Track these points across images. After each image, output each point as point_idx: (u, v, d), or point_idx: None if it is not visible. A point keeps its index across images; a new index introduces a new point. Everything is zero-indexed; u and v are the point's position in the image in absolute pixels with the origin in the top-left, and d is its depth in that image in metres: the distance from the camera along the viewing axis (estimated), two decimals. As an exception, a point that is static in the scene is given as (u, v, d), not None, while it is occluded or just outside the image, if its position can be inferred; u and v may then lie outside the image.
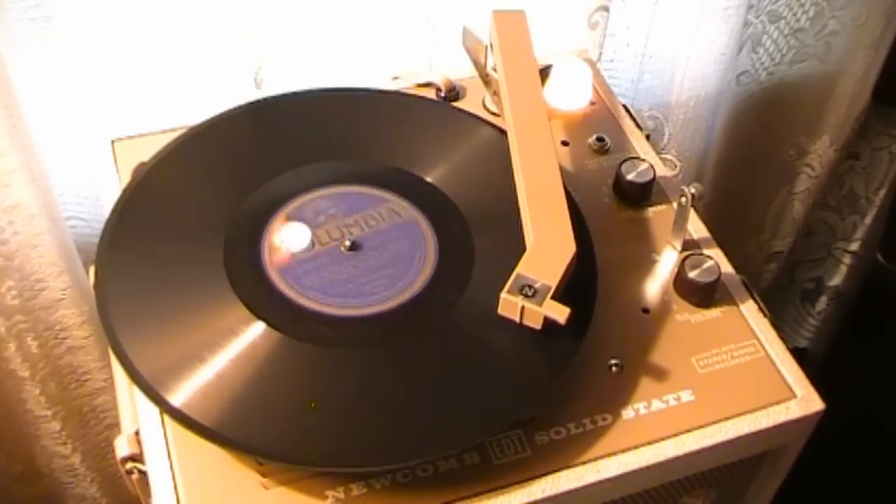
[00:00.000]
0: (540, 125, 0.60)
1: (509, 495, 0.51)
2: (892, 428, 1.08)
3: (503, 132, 0.63)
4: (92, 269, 0.57)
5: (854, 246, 1.16)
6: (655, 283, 0.61)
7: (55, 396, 0.83)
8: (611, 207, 0.65)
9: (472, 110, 0.67)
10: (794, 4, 0.90)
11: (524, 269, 0.52)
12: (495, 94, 0.68)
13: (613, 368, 0.56)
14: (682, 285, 0.60)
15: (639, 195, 0.65)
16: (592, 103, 0.71)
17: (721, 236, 0.64)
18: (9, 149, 0.67)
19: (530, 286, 0.52)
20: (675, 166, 0.68)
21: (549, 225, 0.55)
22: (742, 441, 0.55)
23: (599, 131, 0.69)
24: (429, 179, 0.61)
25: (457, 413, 0.51)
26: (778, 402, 0.56)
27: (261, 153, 0.62)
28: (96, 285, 0.55)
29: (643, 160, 0.65)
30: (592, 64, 0.74)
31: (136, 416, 0.54)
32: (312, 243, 0.57)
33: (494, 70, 0.66)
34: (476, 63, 0.68)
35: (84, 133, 0.73)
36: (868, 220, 1.13)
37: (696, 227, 0.64)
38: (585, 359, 0.55)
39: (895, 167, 1.08)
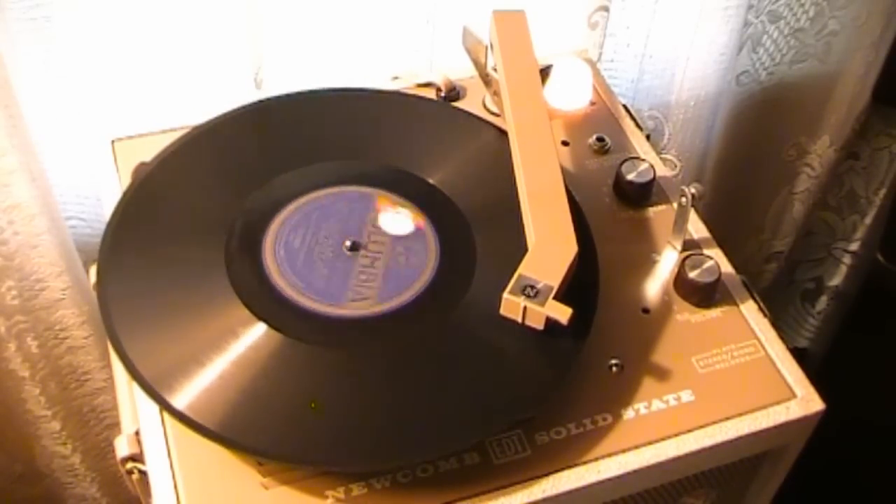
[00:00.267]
0: (540, 125, 0.60)
1: (509, 495, 0.51)
2: (892, 428, 1.08)
3: (504, 132, 0.63)
4: (92, 269, 0.57)
5: (854, 246, 1.16)
6: (655, 283, 0.61)
7: (55, 396, 0.83)
8: (611, 207, 0.65)
9: (472, 110, 0.67)
10: (794, 4, 0.90)
11: (526, 269, 0.52)
12: (495, 94, 0.68)
13: (613, 368, 0.56)
14: (683, 285, 0.60)
15: (639, 195, 0.65)
16: (592, 103, 0.71)
17: (721, 236, 0.64)
18: (9, 149, 0.67)
19: (532, 286, 0.52)
20: (675, 166, 0.68)
21: (550, 225, 0.55)
22: (742, 441, 0.55)
23: (599, 131, 0.69)
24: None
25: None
26: (778, 402, 0.56)
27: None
28: (98, 285, 0.55)
29: (643, 160, 0.65)
30: (592, 64, 0.74)
31: (136, 416, 0.54)
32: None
33: (494, 70, 0.66)
34: (476, 63, 0.68)
35: (84, 133, 0.73)
36: (868, 220, 1.13)
37: (696, 227, 0.64)
38: (586, 359, 0.55)
39: (895, 167, 1.08)
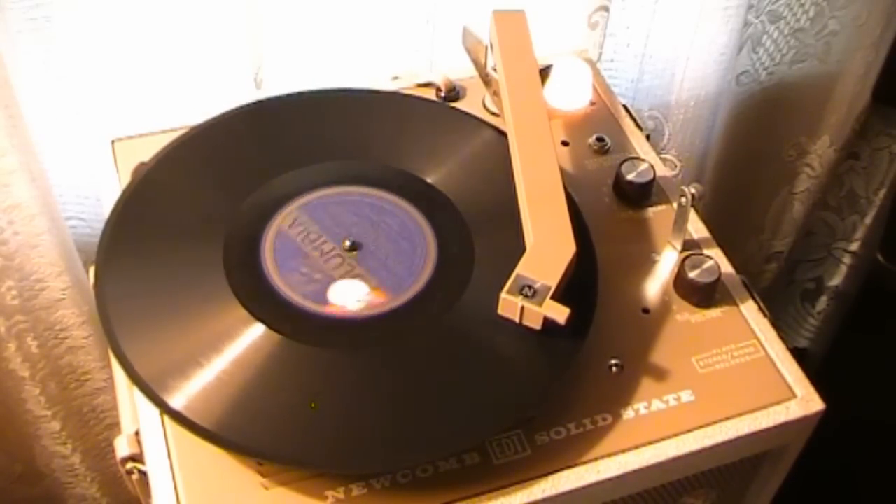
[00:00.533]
0: (540, 125, 0.60)
1: (509, 495, 0.51)
2: (892, 428, 1.08)
3: (503, 132, 0.63)
4: (92, 269, 0.57)
5: (854, 246, 1.16)
6: (655, 283, 0.61)
7: (55, 396, 0.83)
8: (611, 207, 0.65)
9: (472, 110, 0.67)
10: (794, 4, 0.90)
11: (524, 269, 0.52)
12: (495, 94, 0.68)
13: (613, 368, 0.56)
14: (682, 285, 0.60)
15: (639, 195, 0.65)
16: (592, 103, 0.71)
17: (721, 236, 0.64)
18: (9, 149, 0.67)
19: (530, 286, 0.52)
20: (675, 166, 0.68)
21: (549, 225, 0.55)
22: (742, 441, 0.55)
23: (599, 131, 0.69)
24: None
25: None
26: (778, 402, 0.56)
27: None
28: (96, 286, 0.55)
29: (643, 160, 0.65)
30: (592, 64, 0.74)
31: (136, 416, 0.54)
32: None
33: (494, 70, 0.66)
34: (476, 63, 0.68)
35: (84, 133, 0.73)
36: (868, 220, 1.13)
37: (696, 227, 0.64)
38: (585, 359, 0.55)
39: (895, 167, 1.08)
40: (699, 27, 0.85)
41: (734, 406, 0.55)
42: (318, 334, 0.53)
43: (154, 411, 0.53)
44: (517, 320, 0.52)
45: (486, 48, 0.66)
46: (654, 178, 0.64)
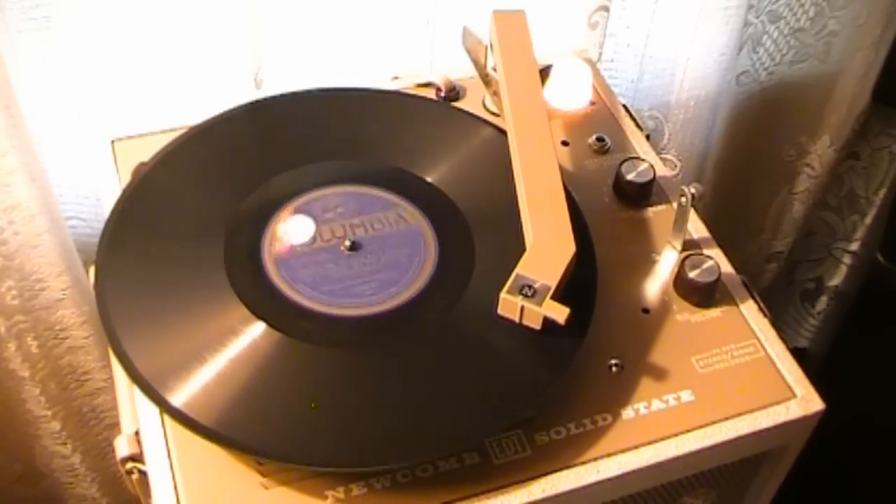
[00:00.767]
0: (540, 125, 0.60)
1: (509, 495, 0.51)
2: (892, 428, 1.08)
3: (503, 132, 0.63)
4: (92, 269, 0.57)
5: (854, 246, 1.16)
6: (655, 283, 0.61)
7: (55, 396, 0.83)
8: (611, 207, 0.65)
9: (472, 110, 0.67)
10: (794, 4, 0.90)
11: (524, 269, 0.52)
12: (495, 94, 0.68)
13: (613, 368, 0.56)
14: (682, 285, 0.60)
15: (639, 195, 0.65)
16: (592, 103, 0.71)
17: (721, 236, 0.64)
18: (9, 149, 0.67)
19: (530, 286, 0.52)
20: (675, 166, 0.68)
21: (548, 225, 0.55)
22: (742, 441, 0.55)
23: (599, 131, 0.69)
24: (429, 179, 0.61)
25: (457, 413, 0.51)
26: (778, 402, 0.56)
27: (261, 153, 0.62)
28: (96, 285, 0.55)
29: (643, 160, 0.65)
30: (592, 64, 0.74)
31: (136, 416, 0.54)
32: (314, 239, 0.57)
33: (494, 70, 0.66)
34: (476, 63, 0.68)
35: (84, 133, 0.73)
36: (868, 220, 1.13)
37: (696, 227, 0.64)
38: (585, 359, 0.55)
39: (895, 167, 1.08)
40: (699, 27, 0.85)
41: (734, 406, 0.55)
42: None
43: (154, 411, 0.53)
44: (517, 320, 0.52)
45: (486, 48, 0.66)
46: (654, 178, 0.64)
